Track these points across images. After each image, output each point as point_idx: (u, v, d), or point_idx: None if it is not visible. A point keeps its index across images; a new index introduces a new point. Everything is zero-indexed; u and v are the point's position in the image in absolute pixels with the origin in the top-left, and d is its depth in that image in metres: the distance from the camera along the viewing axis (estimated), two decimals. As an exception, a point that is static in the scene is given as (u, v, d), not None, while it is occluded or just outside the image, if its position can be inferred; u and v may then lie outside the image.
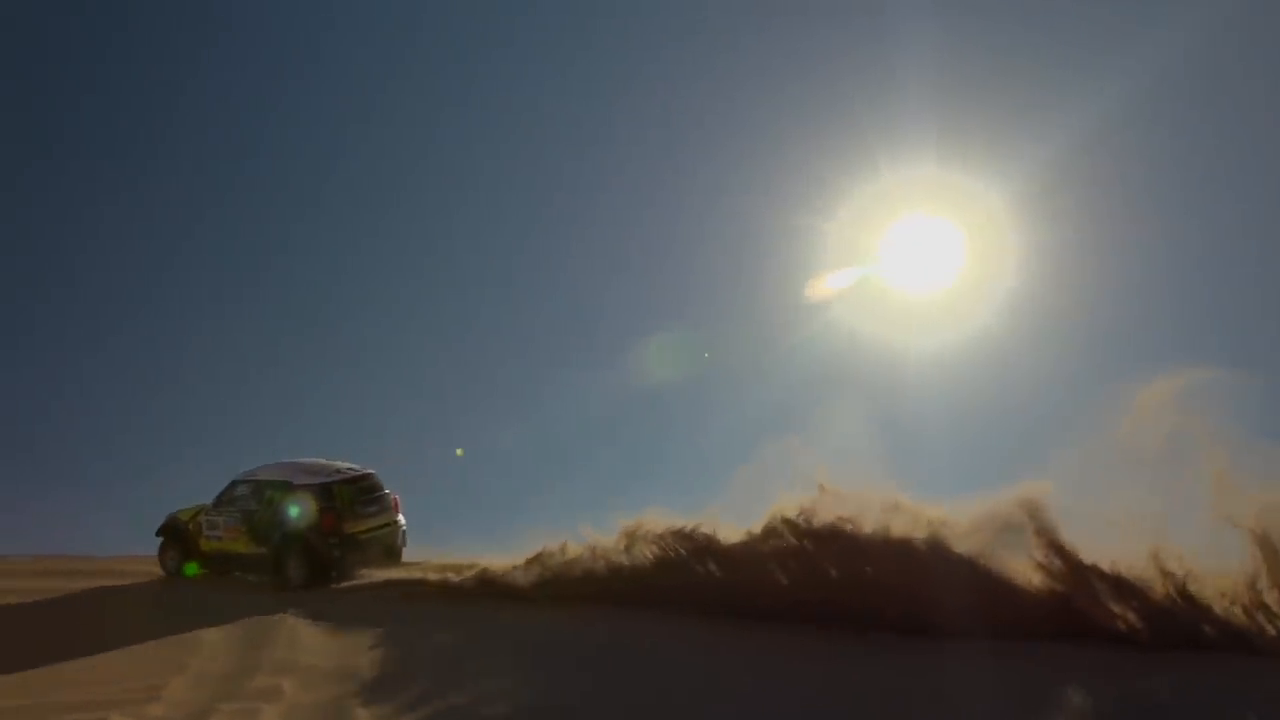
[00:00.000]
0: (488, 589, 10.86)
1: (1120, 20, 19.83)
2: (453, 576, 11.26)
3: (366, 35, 25.23)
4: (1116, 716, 6.68)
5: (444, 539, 12.89)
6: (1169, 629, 7.98)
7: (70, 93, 24.99)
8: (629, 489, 10.76)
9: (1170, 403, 8.68)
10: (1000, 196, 19.65)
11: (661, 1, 24.25)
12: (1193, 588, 8.11)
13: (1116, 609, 8.20)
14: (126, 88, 25.51)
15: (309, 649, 8.86)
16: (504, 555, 11.27)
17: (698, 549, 10.03)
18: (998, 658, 7.76)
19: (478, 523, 12.01)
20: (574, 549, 10.77)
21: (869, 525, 9.16)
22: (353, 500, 12.30)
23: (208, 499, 12.88)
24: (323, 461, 12.82)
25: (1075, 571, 8.44)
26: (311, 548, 11.97)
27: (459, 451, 18.20)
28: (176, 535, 12.83)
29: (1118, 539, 8.41)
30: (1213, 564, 8.24)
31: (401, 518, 12.98)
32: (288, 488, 12.22)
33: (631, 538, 10.43)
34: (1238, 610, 8.02)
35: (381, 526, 12.58)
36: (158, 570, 12.99)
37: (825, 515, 9.39)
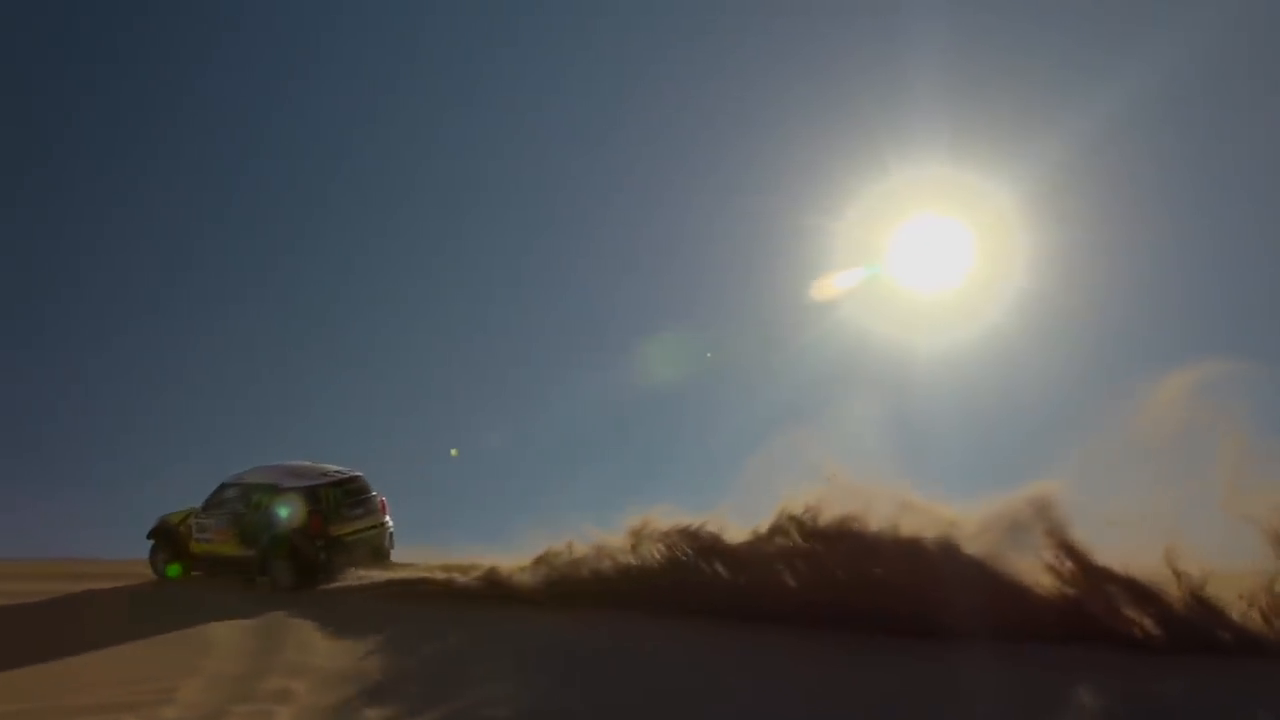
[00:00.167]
0: (494, 590, 10.86)
1: (1130, 20, 19.93)
2: (459, 577, 11.30)
3: (372, 33, 25.38)
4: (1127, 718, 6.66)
5: (450, 539, 12.97)
6: (1184, 634, 7.85)
7: (72, 92, 25.22)
8: (639, 489, 10.88)
9: (1186, 396, 8.57)
10: (1009, 196, 19.70)
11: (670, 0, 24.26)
12: (1209, 590, 7.98)
13: (1130, 614, 8.08)
14: (130, 87, 25.63)
15: (320, 651, 8.92)
16: (511, 555, 11.31)
17: (703, 549, 10.00)
18: (1006, 661, 7.69)
19: (484, 523, 12.13)
20: (580, 549, 10.77)
21: (877, 523, 9.10)
22: (339, 503, 12.37)
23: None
24: (310, 464, 12.89)
25: (1087, 574, 8.33)
26: (298, 550, 12.03)
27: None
28: (167, 538, 12.89)
29: (1131, 538, 8.33)
30: (1227, 561, 8.14)
31: (389, 519, 13.05)
32: (275, 490, 12.29)
33: (638, 537, 10.43)
34: (1255, 614, 7.88)
35: (368, 528, 12.65)
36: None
37: (833, 512, 9.34)
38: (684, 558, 10.06)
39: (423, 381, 24.88)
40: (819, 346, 19.84)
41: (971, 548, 8.66)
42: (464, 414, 23.74)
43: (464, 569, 11.52)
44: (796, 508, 9.55)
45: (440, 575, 11.49)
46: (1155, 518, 8.24)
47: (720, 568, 9.87)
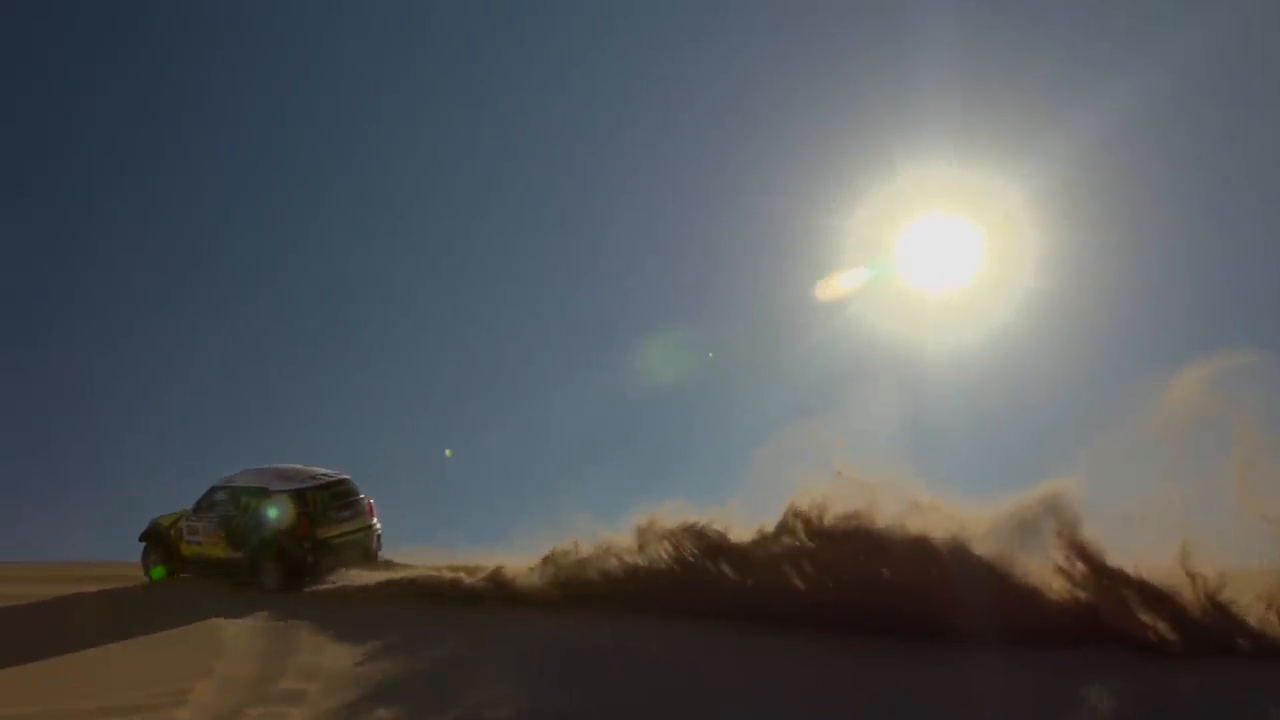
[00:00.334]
0: (500, 591, 10.90)
1: (1139, 17, 19.47)
2: (465, 577, 11.34)
3: (377, 32, 25.37)
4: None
5: (457, 540, 13.03)
6: (1201, 640, 7.70)
7: (74, 91, 25.13)
8: (649, 489, 10.83)
9: (1200, 391, 8.43)
10: (1018, 195, 19.26)
11: (677, -1, 24.24)
12: (1225, 593, 7.81)
13: (1145, 618, 7.92)
14: (133, 87, 25.48)
15: (330, 653, 9.03)
16: (518, 556, 11.36)
17: (709, 548, 9.96)
18: (1014, 664, 7.62)
19: (492, 524, 12.06)
20: (586, 548, 10.76)
21: (886, 521, 8.98)
22: (326, 505, 12.53)
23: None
24: (299, 467, 13.06)
25: (1099, 576, 8.19)
26: (285, 552, 12.21)
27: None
28: (159, 540, 13.08)
29: (1144, 536, 8.21)
30: (1243, 559, 7.98)
31: (377, 522, 13.20)
32: (263, 494, 12.46)
33: (645, 535, 10.42)
34: (1274, 617, 7.71)
35: (356, 530, 12.81)
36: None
37: (841, 509, 9.24)
38: (691, 558, 10.02)
39: (430, 382, 24.90)
40: (828, 346, 19.57)
41: (981, 548, 8.53)
42: (471, 414, 23.77)
43: (470, 570, 11.58)
44: (804, 504, 9.47)
45: (448, 575, 11.56)
46: (1169, 515, 8.10)
47: (727, 568, 9.82)
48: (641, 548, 10.38)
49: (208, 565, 12.79)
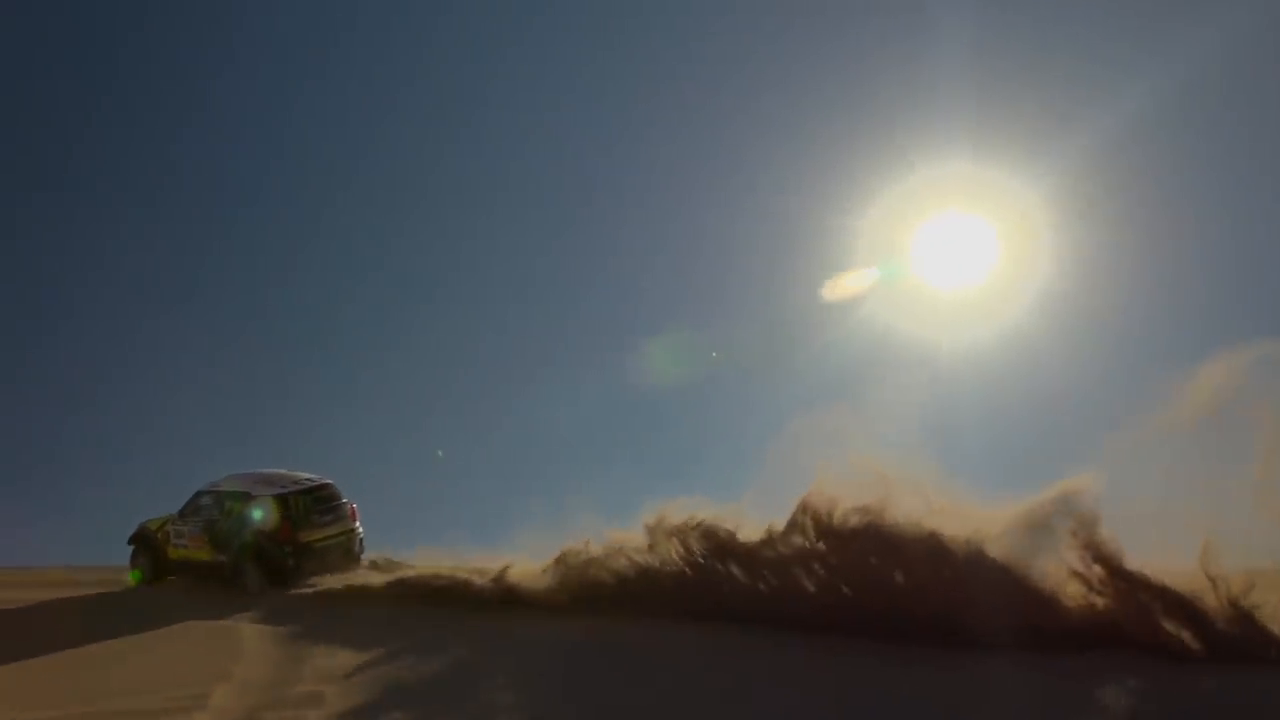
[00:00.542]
0: (508, 596, 10.84)
1: (1157, 17, 19.96)
2: (476, 579, 11.29)
3: (386, 30, 25.61)
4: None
5: (466, 542, 13.01)
6: (1224, 649, 7.43)
7: (76, 89, 25.43)
8: (662, 489, 10.61)
9: (1224, 384, 8.17)
10: (1034, 194, 19.31)
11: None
12: (1250, 600, 7.52)
13: (1166, 626, 7.64)
14: (137, 87, 25.89)
15: (347, 657, 9.12)
16: (527, 556, 11.30)
17: (718, 548, 9.85)
18: (1028, 668, 7.47)
19: (501, 524, 11.99)
20: (597, 548, 10.68)
21: (900, 520, 8.74)
22: (308, 510, 12.82)
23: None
24: (282, 472, 13.37)
25: (1116, 579, 7.95)
26: (266, 555, 12.51)
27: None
28: (146, 544, 13.39)
29: (1165, 534, 8.05)
30: (1267, 558, 7.77)
31: (359, 526, 13.47)
32: (246, 498, 12.78)
33: (654, 533, 10.34)
34: None
35: (338, 534, 13.09)
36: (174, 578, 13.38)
37: (853, 505, 9.02)
38: (701, 560, 9.92)
39: (442, 382, 25.08)
40: (842, 345, 19.55)
41: (997, 549, 8.27)
42: (481, 415, 23.89)
43: (481, 572, 11.54)
44: (815, 500, 9.31)
45: (461, 575, 11.54)
46: (1190, 513, 7.88)
47: (736, 569, 9.71)
48: (652, 547, 10.32)
49: (193, 568, 13.09)
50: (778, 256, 23.59)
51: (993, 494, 8.95)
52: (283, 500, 12.66)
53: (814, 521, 9.24)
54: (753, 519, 9.89)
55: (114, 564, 14.07)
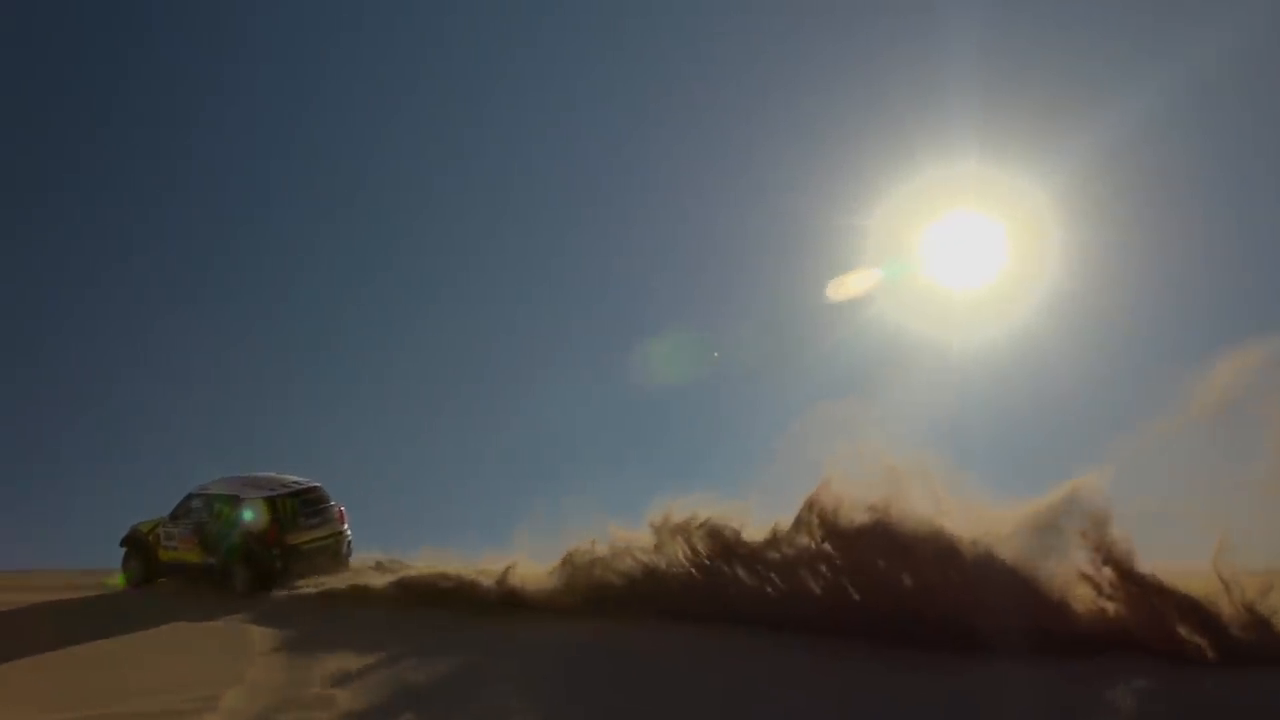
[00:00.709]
0: (512, 599, 10.82)
1: (1167, 16, 19.95)
2: (482, 580, 11.29)
3: (394, 31, 25.69)
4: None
5: (474, 542, 13.00)
6: (1239, 656, 7.31)
7: (77, 88, 25.72)
8: (668, 489, 10.66)
9: (1238, 376, 8.11)
10: (1043, 194, 19.34)
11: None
12: (1267, 603, 7.43)
13: (1178, 631, 7.54)
14: (141, 88, 26.20)
15: (357, 659, 9.15)
16: (532, 556, 11.33)
17: (723, 548, 9.81)
18: (1038, 671, 7.40)
19: (507, 525, 12.01)
20: (603, 548, 10.65)
21: (908, 519, 8.63)
22: (296, 512, 13.00)
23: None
24: (272, 475, 13.55)
25: (1127, 583, 7.85)
26: (254, 556, 12.68)
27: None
28: (138, 546, 13.52)
29: (1177, 533, 8.02)
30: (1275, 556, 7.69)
31: (348, 529, 13.64)
32: (235, 501, 12.95)
33: (660, 532, 10.32)
34: None
35: (325, 537, 13.26)
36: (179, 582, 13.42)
37: (861, 503, 8.94)
38: (706, 561, 9.88)
39: (451, 383, 25.13)
40: (851, 344, 19.63)
41: (1006, 551, 8.17)
42: (488, 415, 23.93)
43: (487, 573, 11.52)
44: (822, 499, 9.21)
45: (467, 576, 11.52)
46: (1202, 512, 7.82)
47: (741, 571, 9.66)
48: (658, 547, 10.30)
49: (184, 570, 13.24)
50: (786, 256, 23.63)
51: (1002, 494, 8.94)
52: (270, 503, 12.82)
53: (820, 520, 9.19)
54: (760, 516, 9.87)
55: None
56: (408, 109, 26.30)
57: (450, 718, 7.59)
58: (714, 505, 10.15)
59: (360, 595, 11.88)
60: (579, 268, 26.53)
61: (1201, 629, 7.52)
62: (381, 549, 13.81)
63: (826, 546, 9.12)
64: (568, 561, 10.76)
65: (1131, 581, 7.87)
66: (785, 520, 9.54)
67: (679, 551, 10.10)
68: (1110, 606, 7.92)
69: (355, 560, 13.68)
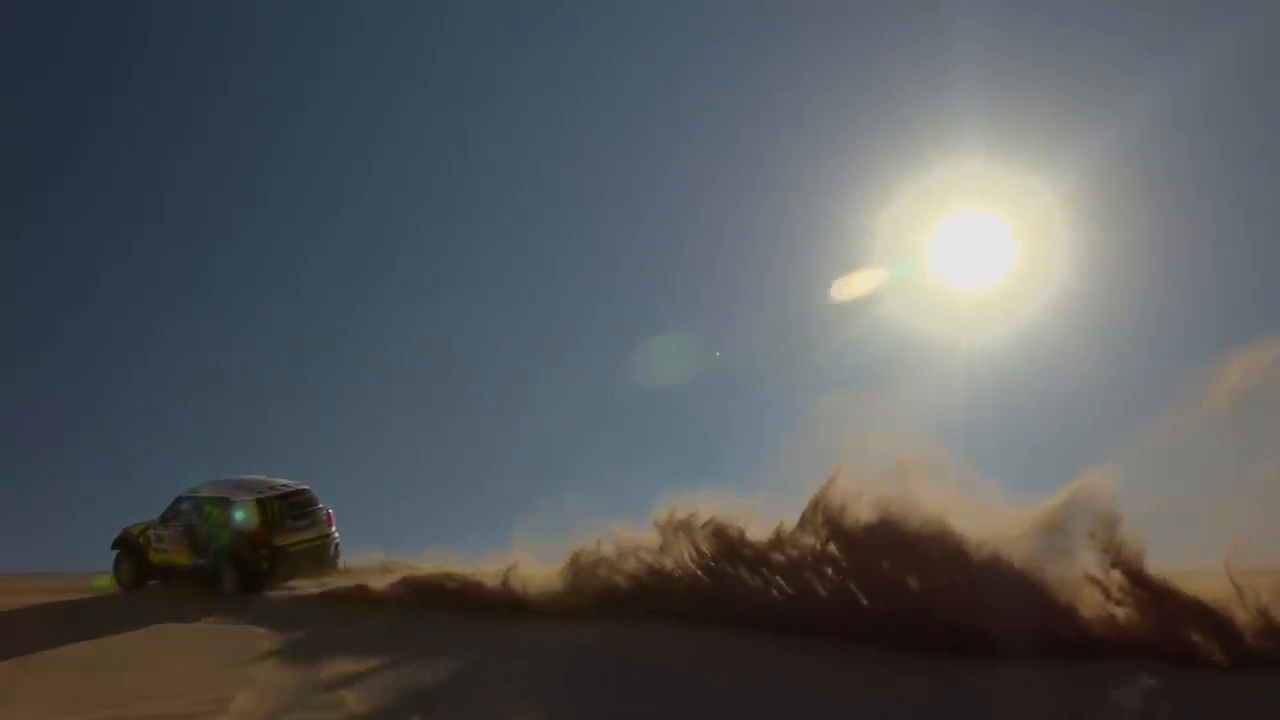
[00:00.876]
0: (521, 603, 10.74)
1: (1174, 16, 19.82)
2: (488, 581, 11.22)
3: (400, 30, 25.68)
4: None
5: (475, 542, 12.97)
6: (1253, 663, 7.20)
7: (77, 87, 25.73)
8: (673, 489, 10.74)
9: (1252, 372, 7.97)
10: (1051, 194, 19.28)
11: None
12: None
13: (1190, 637, 7.44)
14: (143, 90, 26.28)
15: (363, 660, 9.12)
16: (536, 557, 11.29)
17: (728, 548, 9.73)
18: (1047, 674, 7.34)
19: (510, 525, 11.94)
20: (609, 549, 10.59)
21: (916, 518, 8.49)
22: (284, 515, 13.11)
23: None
24: (261, 478, 13.68)
25: (1137, 587, 7.74)
26: (242, 558, 12.80)
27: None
28: (129, 548, 13.60)
29: (1190, 534, 7.92)
30: None
31: (335, 531, 13.75)
32: (224, 503, 13.06)
33: (665, 531, 10.26)
34: None
35: (313, 539, 13.37)
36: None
37: (868, 502, 8.82)
38: (712, 564, 9.82)
39: (454, 382, 25.11)
40: (859, 343, 19.47)
41: (1015, 553, 8.05)
42: (492, 415, 23.93)
43: (492, 574, 11.48)
44: (830, 496, 9.10)
45: (474, 578, 11.45)
46: (1214, 511, 7.74)
47: (748, 574, 9.59)
48: (664, 547, 10.24)
49: (174, 571, 13.33)
50: (795, 256, 23.48)
51: (1011, 494, 8.85)
52: (258, 505, 12.93)
53: (825, 519, 9.10)
54: (769, 513, 9.76)
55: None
56: (413, 108, 26.27)
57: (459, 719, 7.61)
58: (718, 502, 10.09)
59: (364, 597, 11.86)
60: (586, 267, 26.55)
61: (1215, 636, 7.38)
62: (385, 550, 13.89)
63: (831, 548, 9.03)
64: (573, 563, 10.70)
65: (1142, 586, 7.74)
66: (791, 519, 9.45)
67: (684, 552, 10.04)
68: (1120, 612, 7.80)
69: (357, 561, 13.76)
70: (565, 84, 25.93)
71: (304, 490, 13.56)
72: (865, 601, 8.70)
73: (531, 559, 11.19)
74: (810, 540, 9.19)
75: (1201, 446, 7.99)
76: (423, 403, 24.60)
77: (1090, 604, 7.87)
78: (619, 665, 8.61)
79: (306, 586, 12.56)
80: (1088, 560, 7.97)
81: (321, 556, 13.42)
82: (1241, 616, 7.36)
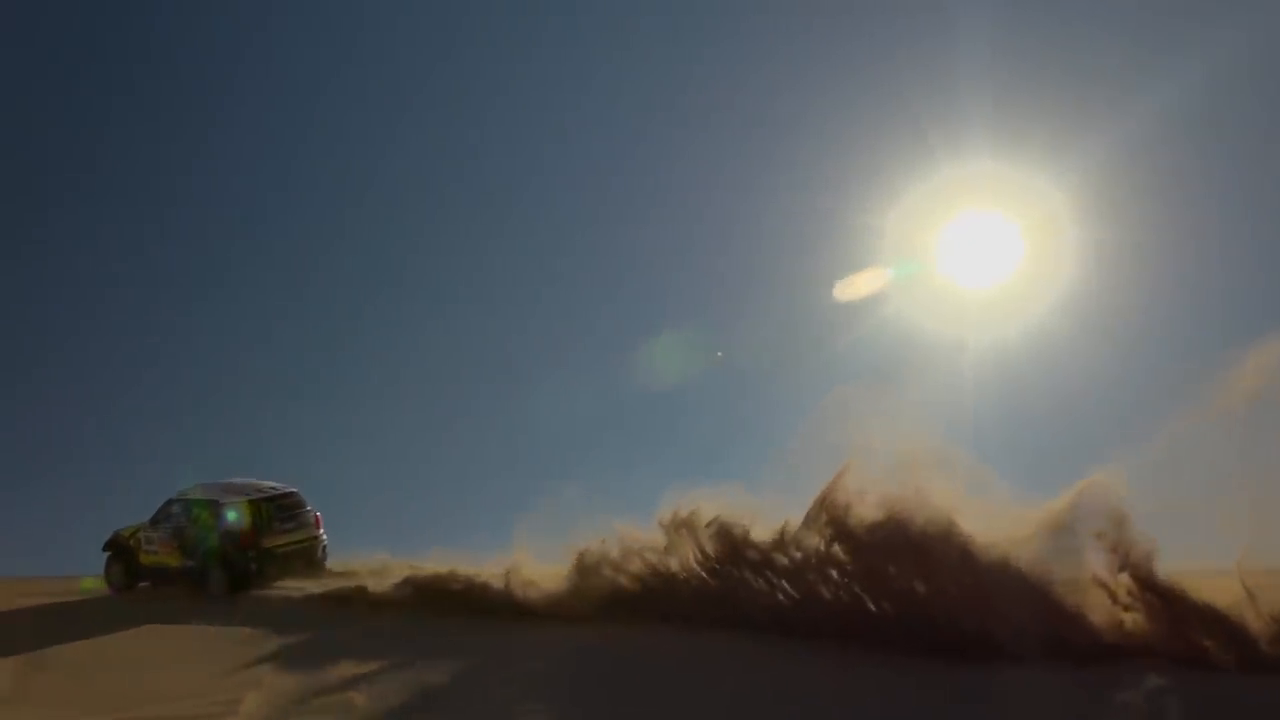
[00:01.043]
0: (526, 608, 10.71)
1: (1182, 15, 19.84)
2: (493, 583, 11.20)
3: (406, 29, 25.57)
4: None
5: (480, 543, 12.81)
6: (1265, 670, 7.11)
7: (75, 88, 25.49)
8: (680, 488, 10.71)
9: (1265, 374, 7.87)
10: (1059, 193, 19.22)
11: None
12: None
13: (1201, 644, 7.36)
14: (143, 90, 26.05)
15: (371, 661, 9.12)
16: (539, 557, 11.31)
17: (732, 550, 9.68)
18: (1054, 677, 7.30)
19: (514, 525, 11.96)
20: (614, 549, 10.55)
21: (922, 519, 8.42)
22: (271, 517, 13.30)
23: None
24: (250, 481, 13.82)
25: (1147, 592, 7.67)
26: (230, 560, 12.97)
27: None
28: (120, 551, 13.69)
29: (1201, 535, 7.87)
30: None
31: (323, 533, 13.95)
32: (212, 505, 13.24)
33: (669, 531, 10.23)
34: None
35: (300, 541, 13.56)
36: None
37: (874, 501, 8.75)
38: (716, 566, 9.77)
39: (459, 384, 24.83)
40: (866, 343, 19.29)
41: (1023, 555, 7.97)
42: (502, 415, 23.81)
43: (498, 576, 11.42)
44: (836, 495, 9.02)
45: (478, 579, 11.44)
46: (1226, 511, 7.67)
47: (750, 576, 9.56)
48: (669, 548, 10.20)
49: (164, 573, 13.46)
50: (802, 255, 23.16)
51: (1018, 494, 8.82)
52: (246, 507, 13.12)
53: (830, 519, 9.06)
54: (774, 512, 9.73)
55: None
56: (418, 106, 26.05)
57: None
58: (723, 500, 10.10)
59: (367, 598, 11.95)
60: (593, 266, 26.30)
61: (1228, 642, 7.34)
62: (390, 550, 13.93)
63: (835, 549, 9.02)
64: (578, 565, 10.67)
65: (1151, 590, 7.70)
66: (796, 518, 9.43)
67: (689, 553, 10.04)
68: (1129, 618, 7.76)
69: (361, 561, 13.85)
70: (570, 83, 25.85)
71: (292, 493, 13.76)
72: (872, 606, 8.68)
73: (533, 560, 11.23)
74: (814, 540, 9.16)
75: (1212, 446, 7.97)
76: (430, 403, 24.39)
77: (1099, 609, 7.82)
78: (623, 668, 8.70)
79: (309, 587, 12.67)
80: (1096, 562, 7.92)
81: (309, 558, 13.59)
82: (1255, 622, 7.31)
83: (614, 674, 8.56)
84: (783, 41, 23.50)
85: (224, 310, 25.69)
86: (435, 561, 12.74)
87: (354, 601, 11.94)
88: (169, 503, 13.72)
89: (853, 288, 19.65)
